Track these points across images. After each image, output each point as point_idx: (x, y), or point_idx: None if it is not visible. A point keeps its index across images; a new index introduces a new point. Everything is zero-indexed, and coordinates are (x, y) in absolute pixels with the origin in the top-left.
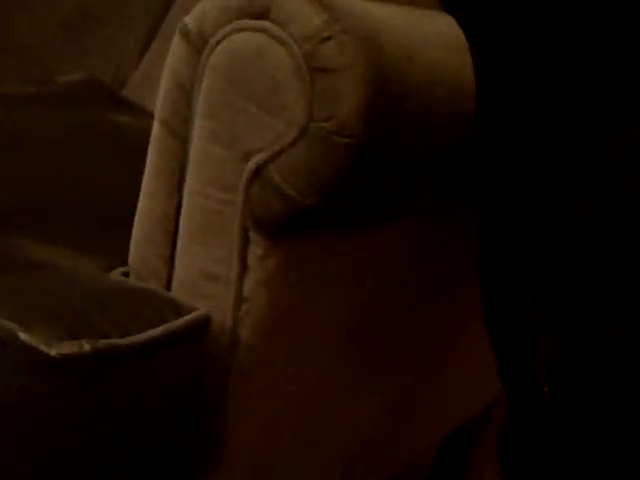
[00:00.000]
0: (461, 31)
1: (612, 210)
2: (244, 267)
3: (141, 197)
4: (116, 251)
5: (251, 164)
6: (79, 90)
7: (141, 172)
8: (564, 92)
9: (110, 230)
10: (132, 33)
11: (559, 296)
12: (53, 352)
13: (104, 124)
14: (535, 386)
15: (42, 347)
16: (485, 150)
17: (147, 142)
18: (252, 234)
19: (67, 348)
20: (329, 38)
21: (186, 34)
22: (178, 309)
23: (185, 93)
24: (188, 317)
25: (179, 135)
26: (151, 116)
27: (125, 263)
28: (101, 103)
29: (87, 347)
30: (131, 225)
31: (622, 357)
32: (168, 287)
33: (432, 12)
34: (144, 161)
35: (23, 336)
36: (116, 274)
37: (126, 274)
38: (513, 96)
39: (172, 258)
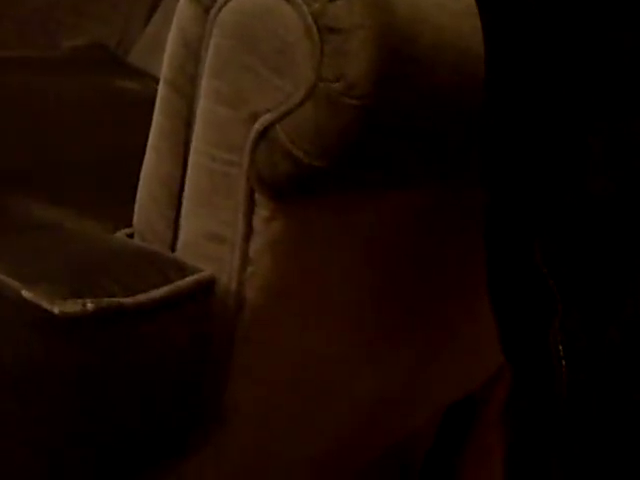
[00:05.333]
0: None
1: (634, 187)
2: (250, 229)
3: (146, 158)
4: (121, 212)
5: (258, 125)
6: (84, 55)
7: (146, 135)
8: (584, 60)
9: (115, 192)
10: None
11: (578, 270)
12: (56, 310)
13: (109, 89)
14: (550, 361)
15: (45, 305)
16: (495, 120)
17: (152, 106)
18: (258, 196)
19: (70, 307)
20: None
21: None
22: (183, 270)
23: (192, 52)
24: (193, 278)
25: (185, 95)
26: (156, 81)
27: (129, 224)
28: (106, 68)
29: (90, 306)
30: (136, 187)
31: None
32: (173, 248)
33: None
34: (149, 124)
35: (26, 294)
36: (120, 235)
37: (130, 235)
38: (525, 64)
39: (177, 219)
